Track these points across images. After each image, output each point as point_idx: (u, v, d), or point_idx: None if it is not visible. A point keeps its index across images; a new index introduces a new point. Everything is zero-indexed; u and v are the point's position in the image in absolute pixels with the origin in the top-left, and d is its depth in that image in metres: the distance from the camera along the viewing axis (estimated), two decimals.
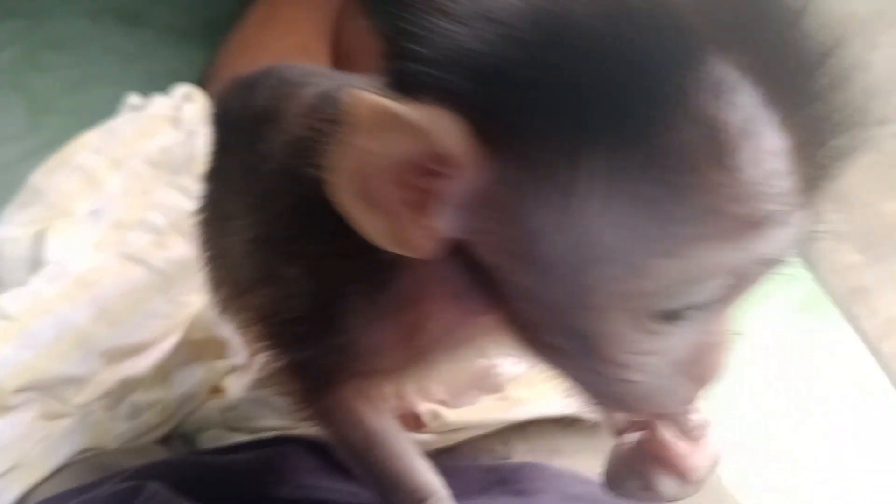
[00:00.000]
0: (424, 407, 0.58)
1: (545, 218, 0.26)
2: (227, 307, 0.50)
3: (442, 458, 0.56)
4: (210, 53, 1.03)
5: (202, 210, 0.53)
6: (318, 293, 0.36)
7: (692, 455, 0.35)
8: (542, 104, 0.25)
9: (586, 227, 0.25)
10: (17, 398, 0.59)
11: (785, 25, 0.26)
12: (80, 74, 1.10)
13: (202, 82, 0.93)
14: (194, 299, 0.67)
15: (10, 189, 0.81)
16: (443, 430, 0.57)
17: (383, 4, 0.30)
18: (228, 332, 0.61)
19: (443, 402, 0.59)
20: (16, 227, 0.74)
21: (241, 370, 0.65)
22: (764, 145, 0.25)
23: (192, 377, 0.64)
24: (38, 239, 0.72)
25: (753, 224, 0.25)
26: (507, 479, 0.53)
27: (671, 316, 0.28)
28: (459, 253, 0.29)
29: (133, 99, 0.90)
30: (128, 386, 0.62)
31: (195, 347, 0.66)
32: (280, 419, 0.60)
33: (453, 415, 0.58)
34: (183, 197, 0.74)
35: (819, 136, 0.26)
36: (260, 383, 0.63)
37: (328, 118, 0.32)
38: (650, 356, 0.29)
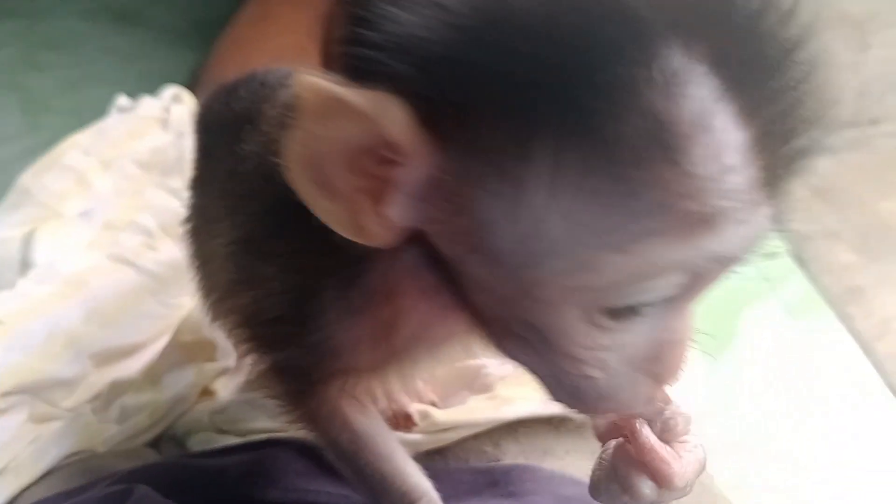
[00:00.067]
0: (414, 407, 0.57)
1: (494, 209, 0.25)
2: (216, 312, 0.50)
3: (432, 460, 0.56)
4: (207, 54, 1.03)
5: (189, 218, 0.53)
6: (293, 291, 0.36)
7: (674, 460, 0.34)
8: (486, 92, 0.24)
9: (535, 219, 0.25)
10: (7, 401, 0.58)
11: (747, 17, 0.25)
12: (77, 74, 1.10)
13: (192, 83, 0.93)
14: (185, 301, 0.66)
15: (7, 189, 0.81)
16: (433, 430, 0.57)
17: None
18: (218, 334, 0.61)
19: (433, 403, 0.59)
20: (6, 229, 0.74)
21: (231, 373, 0.65)
22: (717, 140, 0.24)
23: (183, 380, 0.63)
24: (28, 240, 0.72)
25: (706, 221, 0.24)
26: (499, 481, 0.53)
27: (625, 312, 0.27)
28: (422, 244, 0.29)
29: (122, 100, 0.90)
30: (118, 388, 0.62)
31: (185, 350, 0.65)
32: (270, 421, 0.60)
33: (443, 415, 0.57)
34: (173, 198, 0.74)
35: (782, 130, 0.25)
36: (250, 386, 0.62)
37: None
38: (605, 352, 0.28)
